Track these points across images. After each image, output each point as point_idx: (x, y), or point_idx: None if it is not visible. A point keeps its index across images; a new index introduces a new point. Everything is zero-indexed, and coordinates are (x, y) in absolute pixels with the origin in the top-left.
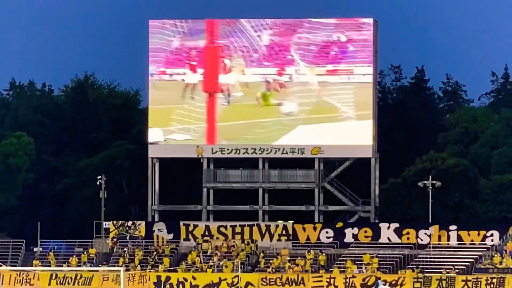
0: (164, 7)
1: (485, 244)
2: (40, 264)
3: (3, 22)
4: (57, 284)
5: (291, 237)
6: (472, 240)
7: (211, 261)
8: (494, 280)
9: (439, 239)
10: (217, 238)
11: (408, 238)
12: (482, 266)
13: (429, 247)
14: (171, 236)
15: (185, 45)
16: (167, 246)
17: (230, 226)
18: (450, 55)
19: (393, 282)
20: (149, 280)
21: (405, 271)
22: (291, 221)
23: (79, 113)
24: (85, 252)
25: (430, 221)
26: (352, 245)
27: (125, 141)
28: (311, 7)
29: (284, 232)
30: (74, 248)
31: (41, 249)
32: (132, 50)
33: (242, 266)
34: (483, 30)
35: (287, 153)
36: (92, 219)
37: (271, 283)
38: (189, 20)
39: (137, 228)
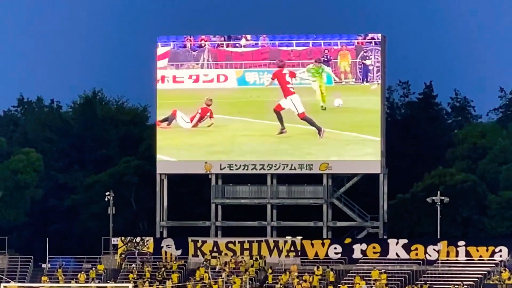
0: (172, 23)
1: (494, 260)
2: (48, 281)
3: (11, 39)
4: None
5: (299, 253)
6: (480, 256)
7: (219, 277)
8: None
9: (448, 255)
10: (226, 254)
11: (416, 254)
12: (491, 282)
13: (438, 263)
14: (179, 252)
15: (192, 61)
16: (175, 262)
17: (239, 242)
18: (458, 71)
19: None
20: None
21: (413, 287)
22: (299, 237)
23: (87, 129)
24: (93, 268)
25: (438, 236)
26: (360, 261)
27: (133, 157)
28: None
29: (292, 248)
30: (83, 264)
31: (49, 265)
32: (140, 66)
33: (251, 282)
34: (491, 46)
35: (295, 169)
36: (101, 235)
37: None
38: (197, 36)
39: (145, 244)
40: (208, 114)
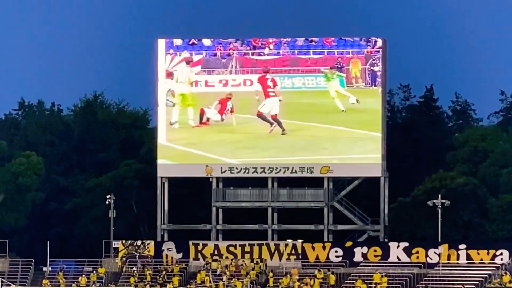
0: (172, 26)
1: (495, 263)
2: (49, 284)
3: (11, 42)
4: None
5: (300, 256)
6: (481, 259)
7: (220, 280)
8: None
9: (449, 258)
10: (227, 257)
11: (417, 257)
12: (492, 285)
13: (439, 266)
14: (180, 255)
15: (193, 64)
16: (176, 266)
17: (239, 245)
18: (459, 74)
19: None
20: None
21: None
22: (300, 240)
23: (88, 133)
24: (94, 272)
25: (439, 240)
26: (361, 264)
27: (134, 160)
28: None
29: (293, 251)
30: (84, 267)
31: (50, 268)
32: (141, 69)
33: (252, 285)
34: (491, 49)
35: (296, 172)
36: (101, 239)
37: None
38: (197, 38)
39: (146, 247)
40: (230, 107)
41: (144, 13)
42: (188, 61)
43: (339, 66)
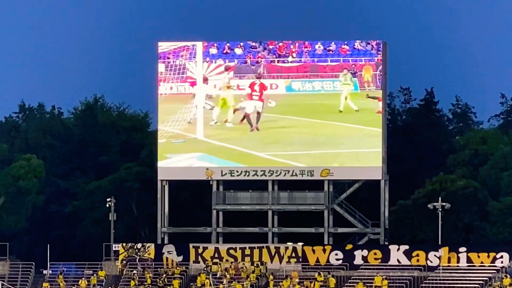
0: (172, 28)
1: (495, 266)
2: (49, 287)
3: (12, 45)
4: None
5: (300, 259)
6: (482, 262)
7: (221, 283)
8: None
9: (449, 261)
10: (227, 260)
11: (418, 260)
12: None
13: (439, 269)
14: (180, 258)
15: (193, 67)
16: (176, 269)
17: (240, 248)
18: (459, 77)
19: None
20: None
21: None
22: (300, 243)
23: (89, 136)
24: (94, 275)
25: (439, 243)
26: (361, 267)
27: (135, 163)
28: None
29: (293, 254)
30: (84, 270)
31: (50, 271)
32: (141, 72)
33: None
34: (492, 52)
35: (296, 175)
36: (102, 242)
37: None
38: (198, 41)
39: (146, 250)
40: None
41: (145, 16)
42: (227, 68)
43: (353, 72)
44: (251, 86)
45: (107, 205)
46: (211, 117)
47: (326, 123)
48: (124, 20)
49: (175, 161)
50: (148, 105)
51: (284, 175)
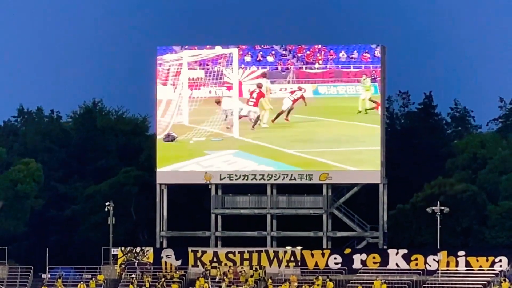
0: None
1: (494, 270)
2: None
3: (11, 49)
4: None
5: (299, 263)
6: (480, 266)
7: (219, 287)
8: None
9: (448, 265)
10: (226, 264)
11: (416, 264)
12: None
13: (438, 273)
14: (179, 262)
15: (192, 72)
16: (175, 273)
17: (239, 252)
18: (458, 81)
19: None
20: None
21: None
22: (299, 247)
23: (87, 140)
24: (93, 279)
25: (438, 247)
26: (360, 271)
27: (134, 167)
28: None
29: (292, 258)
30: (83, 274)
31: (49, 275)
32: (140, 76)
33: None
34: (490, 56)
35: (295, 179)
36: (101, 246)
37: None
38: (196, 46)
39: (145, 254)
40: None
41: (144, 21)
42: (263, 75)
43: (373, 77)
44: (251, 93)
45: (106, 209)
46: (246, 118)
47: (347, 123)
48: (123, 24)
49: (213, 157)
50: (146, 109)
51: (283, 179)
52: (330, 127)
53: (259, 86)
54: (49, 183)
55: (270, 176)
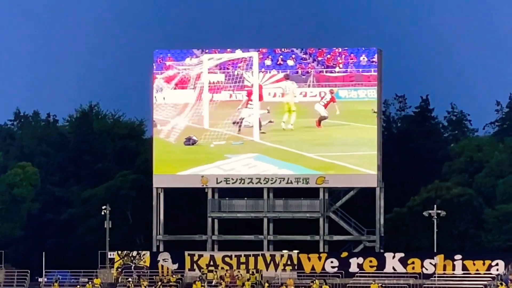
0: (168, 37)
1: (490, 274)
2: None
3: (8, 53)
4: None
5: (296, 267)
6: (477, 270)
7: None
8: None
9: (444, 269)
10: (222, 268)
11: (413, 268)
12: None
13: (435, 277)
14: (176, 266)
15: (189, 75)
16: (172, 276)
17: (235, 256)
18: (455, 85)
19: None
20: None
21: None
22: (296, 251)
23: (84, 143)
24: (90, 282)
25: (435, 250)
26: (357, 274)
27: (130, 171)
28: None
29: (289, 262)
30: (79, 278)
31: (46, 279)
32: (137, 80)
33: None
34: (487, 60)
35: (291, 182)
36: (97, 249)
37: None
38: (193, 50)
39: (142, 258)
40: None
41: (141, 25)
42: (286, 77)
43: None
44: (248, 95)
45: (103, 213)
46: (267, 121)
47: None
48: (120, 29)
49: (233, 161)
50: (143, 112)
51: (279, 183)
52: (350, 130)
53: (331, 92)
54: (45, 187)
55: (267, 179)
